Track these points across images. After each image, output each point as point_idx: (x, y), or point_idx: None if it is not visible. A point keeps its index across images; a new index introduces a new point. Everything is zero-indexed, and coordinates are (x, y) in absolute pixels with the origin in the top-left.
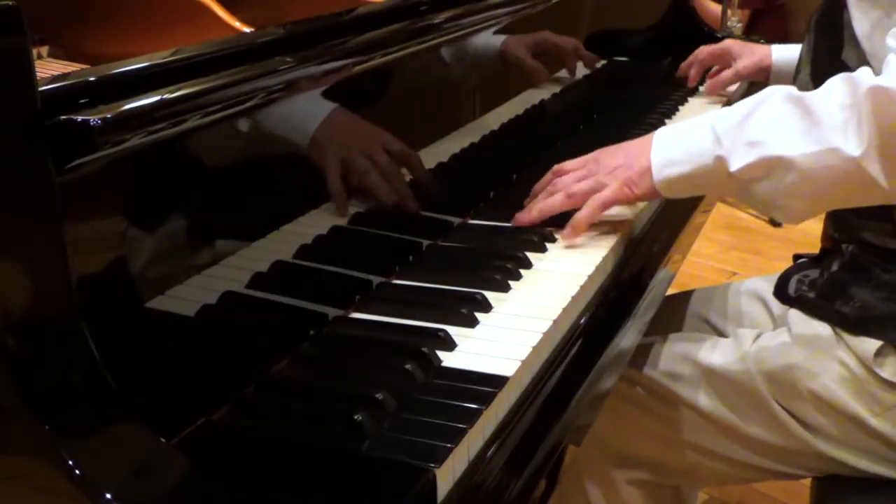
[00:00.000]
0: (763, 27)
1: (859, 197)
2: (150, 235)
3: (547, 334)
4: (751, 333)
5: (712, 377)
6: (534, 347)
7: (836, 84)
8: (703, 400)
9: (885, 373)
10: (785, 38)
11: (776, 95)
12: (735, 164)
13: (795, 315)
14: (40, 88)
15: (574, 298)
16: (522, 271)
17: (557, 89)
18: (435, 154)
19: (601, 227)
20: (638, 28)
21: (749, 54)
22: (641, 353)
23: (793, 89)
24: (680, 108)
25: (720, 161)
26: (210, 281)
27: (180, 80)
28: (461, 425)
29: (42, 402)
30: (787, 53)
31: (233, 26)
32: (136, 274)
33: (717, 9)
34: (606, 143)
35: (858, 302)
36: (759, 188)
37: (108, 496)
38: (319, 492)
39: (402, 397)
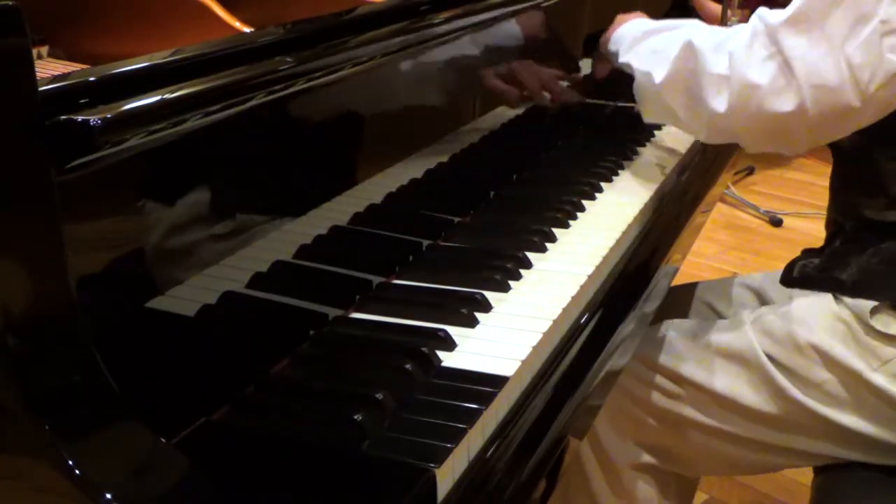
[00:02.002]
0: None
1: (667, 117)
2: (150, 235)
3: (547, 334)
4: (749, 310)
5: (713, 352)
6: (534, 347)
7: (690, 26)
8: (705, 376)
9: (881, 326)
10: None
11: (683, 29)
12: (623, 57)
13: (796, 291)
14: (40, 88)
15: (574, 298)
16: (522, 271)
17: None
18: (435, 154)
19: (601, 226)
20: None
21: None
22: (644, 348)
23: (698, 26)
24: None
25: (618, 49)
26: (210, 281)
27: (180, 80)
28: (461, 425)
29: (42, 402)
30: None
31: (233, 26)
32: (135, 274)
33: (717, 9)
34: (607, 142)
35: (855, 267)
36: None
37: (108, 496)
38: (319, 492)
39: (402, 397)
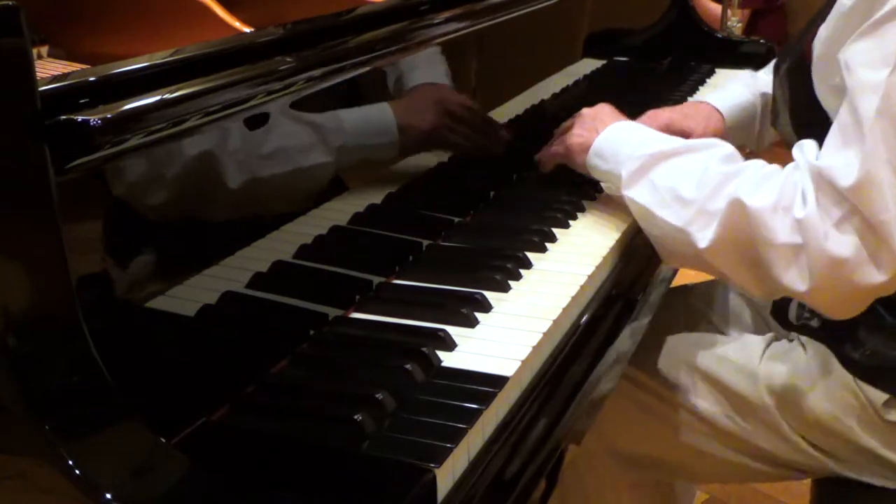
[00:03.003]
0: (763, 27)
1: (704, 270)
2: (150, 235)
3: (547, 334)
4: (758, 346)
5: (717, 386)
6: (534, 347)
7: (748, 168)
8: (706, 406)
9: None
10: (785, 38)
11: (701, 154)
12: (627, 191)
13: (811, 347)
14: (40, 88)
15: (574, 298)
16: (522, 271)
17: (557, 89)
18: (435, 154)
19: (602, 226)
20: (638, 28)
21: (691, 123)
22: (643, 352)
23: (720, 152)
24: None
25: (619, 179)
26: (210, 281)
27: (180, 80)
28: (461, 425)
29: (42, 402)
30: (731, 109)
31: (233, 26)
32: (136, 274)
33: (717, 8)
34: None
35: (869, 350)
36: (641, 223)
37: (108, 496)
38: (319, 492)
39: (402, 397)
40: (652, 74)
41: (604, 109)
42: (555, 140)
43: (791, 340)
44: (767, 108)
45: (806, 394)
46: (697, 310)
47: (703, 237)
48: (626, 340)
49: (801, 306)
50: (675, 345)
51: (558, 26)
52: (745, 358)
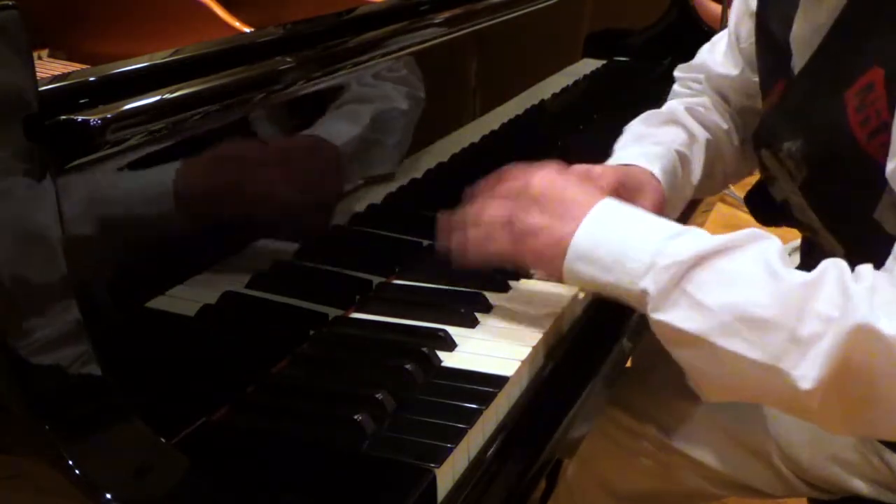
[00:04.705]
0: None
1: (787, 410)
2: (150, 235)
3: (547, 334)
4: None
5: (709, 428)
6: (534, 347)
7: (830, 281)
8: (700, 454)
9: None
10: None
11: (751, 253)
12: (658, 315)
13: None
14: (40, 88)
15: (574, 298)
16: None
17: (557, 89)
18: (435, 154)
19: None
20: (638, 28)
21: (641, 191)
22: (630, 390)
23: (773, 249)
24: None
25: (644, 296)
26: (210, 281)
27: (180, 80)
28: (461, 425)
29: (42, 402)
30: (662, 172)
31: (233, 26)
32: (135, 274)
33: (717, 8)
34: (608, 142)
35: None
36: (674, 351)
37: (108, 496)
38: (319, 492)
39: (402, 397)
40: (652, 74)
41: (565, 182)
42: (471, 224)
43: None
44: (684, 165)
45: (818, 457)
46: None
47: (805, 375)
48: (627, 339)
49: None
50: (666, 387)
51: (558, 26)
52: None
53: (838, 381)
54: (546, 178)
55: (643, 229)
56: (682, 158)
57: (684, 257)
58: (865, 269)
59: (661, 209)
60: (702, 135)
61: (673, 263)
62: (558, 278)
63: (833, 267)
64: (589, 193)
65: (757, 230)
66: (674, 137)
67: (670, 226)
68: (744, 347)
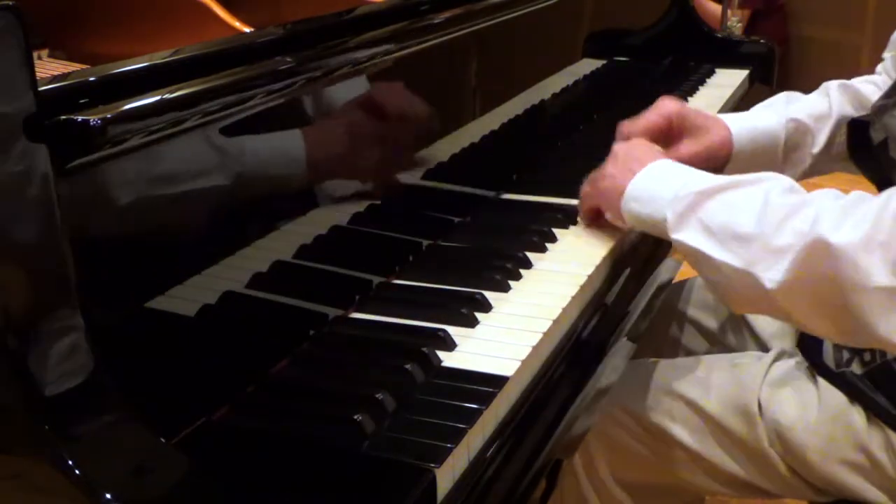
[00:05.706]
0: (763, 27)
1: (772, 314)
2: (149, 235)
3: (547, 334)
4: (756, 368)
5: (712, 426)
6: (534, 347)
7: (815, 203)
8: (700, 447)
9: None
10: (785, 39)
11: (757, 187)
12: (675, 234)
13: (827, 392)
14: (40, 88)
15: (574, 298)
16: (522, 271)
17: (557, 89)
18: (435, 154)
19: (602, 227)
20: (638, 28)
21: (698, 134)
22: (633, 380)
23: (778, 184)
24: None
25: (665, 222)
26: (210, 281)
27: (180, 80)
28: (461, 425)
29: (42, 402)
30: (749, 131)
31: (233, 26)
32: (135, 274)
33: (717, 9)
34: (608, 142)
35: None
36: (695, 267)
37: (108, 496)
38: (319, 492)
39: (402, 397)
40: (652, 74)
41: (638, 146)
42: (586, 183)
43: (799, 361)
44: (800, 135)
45: (815, 453)
46: (687, 327)
47: (771, 277)
48: (626, 339)
49: (841, 357)
50: (667, 378)
51: (558, 26)
52: (741, 395)
53: (799, 285)
54: (627, 144)
55: (681, 176)
56: (799, 127)
57: (700, 188)
58: (857, 192)
59: (713, 153)
60: (838, 112)
61: (688, 194)
62: (618, 216)
63: (826, 193)
64: (650, 155)
65: (770, 173)
66: (803, 107)
67: (699, 173)
68: (731, 258)
